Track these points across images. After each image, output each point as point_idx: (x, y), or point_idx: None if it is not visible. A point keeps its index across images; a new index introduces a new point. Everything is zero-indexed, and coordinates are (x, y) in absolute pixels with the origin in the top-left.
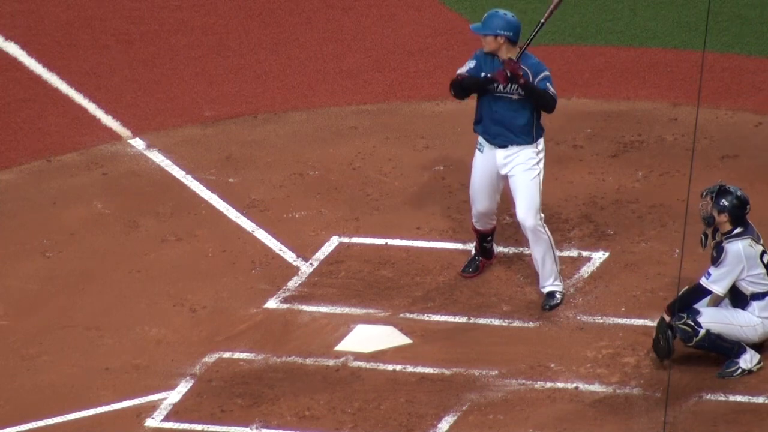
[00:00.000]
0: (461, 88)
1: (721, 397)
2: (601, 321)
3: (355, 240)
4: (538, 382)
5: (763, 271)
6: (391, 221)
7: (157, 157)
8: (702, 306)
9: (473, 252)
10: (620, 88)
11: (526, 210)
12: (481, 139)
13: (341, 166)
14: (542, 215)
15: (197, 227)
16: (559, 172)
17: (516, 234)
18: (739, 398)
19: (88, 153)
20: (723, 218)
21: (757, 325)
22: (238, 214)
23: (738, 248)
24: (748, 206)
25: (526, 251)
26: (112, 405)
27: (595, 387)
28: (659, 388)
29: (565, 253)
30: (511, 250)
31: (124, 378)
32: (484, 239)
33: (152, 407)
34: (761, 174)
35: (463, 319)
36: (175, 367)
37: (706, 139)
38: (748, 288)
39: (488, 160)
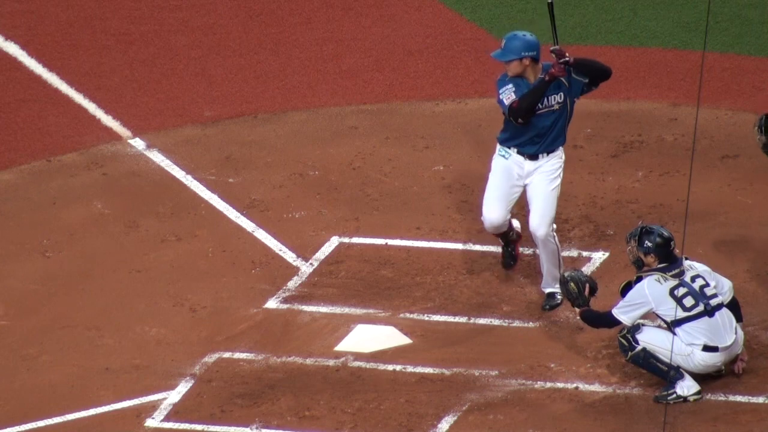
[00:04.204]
0: (525, 110)
1: (721, 397)
2: None
3: (355, 240)
4: (538, 382)
5: (675, 305)
6: (391, 221)
7: (157, 157)
8: (648, 323)
9: (502, 246)
10: (620, 88)
11: (540, 219)
12: (506, 148)
13: (341, 166)
14: (555, 225)
15: (197, 227)
16: None
17: None
18: (739, 398)
19: (88, 153)
20: (650, 259)
21: (688, 354)
22: (238, 214)
23: (641, 285)
24: (672, 242)
25: (527, 251)
26: (112, 405)
27: (595, 387)
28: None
29: (565, 253)
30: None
31: (124, 378)
32: (505, 237)
33: (152, 407)
34: (761, 174)
35: (463, 319)
36: (175, 367)
37: (706, 139)
38: (667, 319)
39: (512, 168)
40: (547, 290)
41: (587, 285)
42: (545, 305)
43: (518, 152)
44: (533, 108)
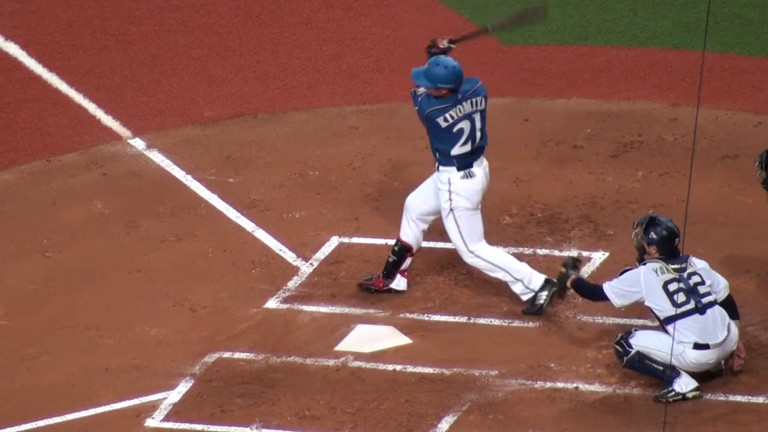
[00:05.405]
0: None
1: (721, 397)
2: (601, 321)
3: (355, 240)
4: (538, 382)
5: (666, 300)
6: (391, 221)
7: (157, 157)
8: (640, 327)
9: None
10: (620, 88)
11: (459, 252)
12: None
13: (341, 166)
14: (475, 248)
15: (197, 227)
16: (559, 172)
17: (516, 234)
18: (739, 398)
19: (88, 153)
20: (652, 250)
21: (680, 353)
22: (238, 214)
23: (638, 271)
24: (677, 238)
25: (527, 251)
26: (112, 405)
27: (595, 387)
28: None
29: (565, 254)
30: (511, 250)
31: (124, 378)
32: (394, 261)
33: (152, 407)
34: None
35: (463, 319)
36: (175, 367)
37: (706, 139)
38: (659, 315)
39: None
40: (526, 297)
41: (562, 271)
42: (529, 310)
43: None
44: None
